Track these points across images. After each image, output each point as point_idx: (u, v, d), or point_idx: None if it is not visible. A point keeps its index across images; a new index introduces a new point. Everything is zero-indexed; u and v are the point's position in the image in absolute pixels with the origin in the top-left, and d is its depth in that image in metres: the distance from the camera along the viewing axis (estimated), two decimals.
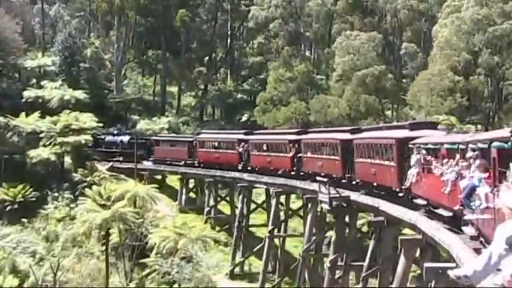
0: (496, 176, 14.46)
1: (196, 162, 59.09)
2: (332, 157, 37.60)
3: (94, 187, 53.11)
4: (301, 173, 43.01)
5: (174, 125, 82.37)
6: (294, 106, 67.69)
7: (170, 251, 44.39)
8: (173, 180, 64.84)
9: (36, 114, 68.19)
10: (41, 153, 62.14)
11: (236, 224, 49.66)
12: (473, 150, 17.08)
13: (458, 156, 19.23)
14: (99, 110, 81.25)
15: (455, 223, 19.63)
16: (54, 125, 64.62)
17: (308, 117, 64.94)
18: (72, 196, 59.60)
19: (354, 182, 34.67)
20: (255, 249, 47.82)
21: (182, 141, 63.83)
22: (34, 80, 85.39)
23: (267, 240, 44.04)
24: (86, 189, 54.40)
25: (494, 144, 14.67)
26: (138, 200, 52.86)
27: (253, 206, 52.70)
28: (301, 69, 71.36)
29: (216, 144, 57.36)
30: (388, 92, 62.61)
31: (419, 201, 24.43)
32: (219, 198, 56.27)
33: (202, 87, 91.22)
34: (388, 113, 67.36)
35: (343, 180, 35.60)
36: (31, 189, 59.22)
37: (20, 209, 58.03)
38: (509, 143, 13.35)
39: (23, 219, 57.13)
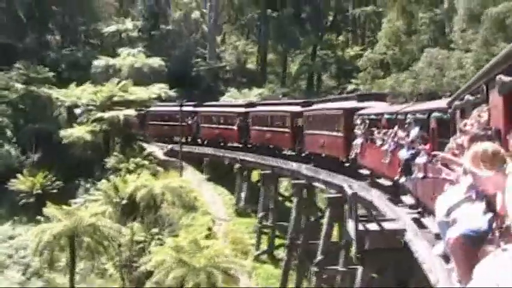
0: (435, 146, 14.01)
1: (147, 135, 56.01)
2: (281, 129, 38.00)
3: (107, 180, 39.30)
4: (249, 145, 44.04)
5: (272, 96, 66.37)
6: (411, 70, 48.93)
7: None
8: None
9: (88, 85, 55.58)
10: (74, 132, 49.17)
11: (287, 241, 33.16)
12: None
13: (397, 126, 18.86)
14: (185, 80, 68.25)
15: (395, 192, 19.64)
16: (94, 97, 51.43)
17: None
18: None
19: (303, 154, 35.10)
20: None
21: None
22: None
23: (313, 279, 27.21)
24: (103, 181, 40.70)
25: (433, 114, 14.55)
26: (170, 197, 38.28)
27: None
28: (426, 17, 52.39)
29: (166, 117, 54.52)
30: None
31: (363, 171, 24.67)
32: (281, 198, 40.00)
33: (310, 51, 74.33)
34: None
35: (292, 153, 36.92)
36: (54, 178, 46.80)
37: (42, 203, 45.62)
38: (448, 114, 13.03)
39: (39, 217, 44.63)
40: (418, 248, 14.04)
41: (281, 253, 37.95)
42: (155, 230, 35.52)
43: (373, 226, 16.55)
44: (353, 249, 17.26)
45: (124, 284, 33.88)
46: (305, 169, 32.97)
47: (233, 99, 63.42)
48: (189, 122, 51.04)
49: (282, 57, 75.44)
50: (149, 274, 32.37)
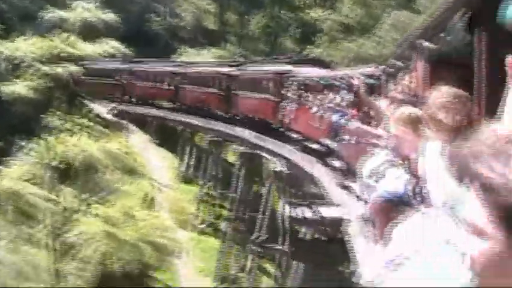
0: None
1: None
2: (213, 91, 36.65)
3: (42, 140, 36.47)
4: (181, 105, 42.33)
5: (229, 58, 63.46)
6: (375, 36, 46.66)
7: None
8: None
9: (35, 38, 52.10)
10: (15, 88, 45.90)
11: (230, 212, 30.93)
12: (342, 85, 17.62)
13: (328, 90, 19.48)
14: (141, 37, 65.00)
15: (325, 155, 19.46)
16: (39, 51, 48.06)
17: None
18: None
19: (236, 117, 33.88)
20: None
21: None
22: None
23: (254, 256, 24.97)
24: (38, 141, 37.89)
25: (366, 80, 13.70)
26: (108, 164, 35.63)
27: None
28: None
29: (103, 74, 50.39)
30: None
31: (295, 135, 24.45)
32: (227, 166, 37.60)
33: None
34: None
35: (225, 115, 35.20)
36: None
37: None
38: (377, 80, 13.40)
39: None
40: (359, 247, 11.38)
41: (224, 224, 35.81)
42: (90, 197, 32.85)
43: (310, 212, 14.23)
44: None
45: (53, 253, 31.31)
46: (254, 137, 30.59)
47: (187, 60, 60.52)
48: (123, 80, 47.93)
49: (243, 17, 72.37)
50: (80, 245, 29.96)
